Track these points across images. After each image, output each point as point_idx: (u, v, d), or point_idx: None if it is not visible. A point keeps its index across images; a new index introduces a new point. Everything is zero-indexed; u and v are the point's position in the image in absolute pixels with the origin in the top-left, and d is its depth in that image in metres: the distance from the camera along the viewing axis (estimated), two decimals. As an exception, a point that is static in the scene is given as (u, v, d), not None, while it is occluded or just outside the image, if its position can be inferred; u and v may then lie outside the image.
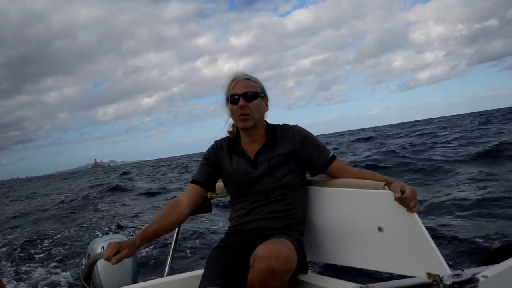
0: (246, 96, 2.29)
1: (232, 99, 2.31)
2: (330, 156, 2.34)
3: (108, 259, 2.10)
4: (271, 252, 1.89)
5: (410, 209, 1.96)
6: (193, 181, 2.43)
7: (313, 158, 2.34)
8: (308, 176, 2.47)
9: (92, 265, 2.55)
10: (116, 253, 2.11)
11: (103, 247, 3.02)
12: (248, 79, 2.36)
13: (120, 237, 3.31)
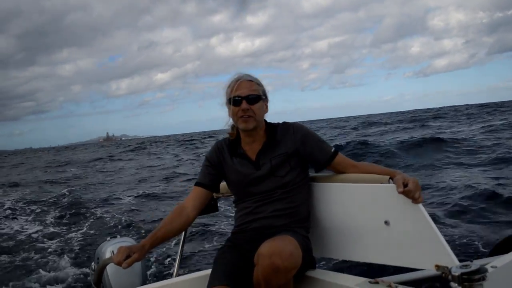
0: (249, 99, 2.28)
1: (234, 101, 2.30)
2: (332, 151, 2.34)
3: (119, 263, 2.11)
4: (274, 250, 1.89)
5: (415, 201, 1.96)
6: (197, 184, 2.44)
7: (315, 155, 2.35)
8: (311, 173, 2.47)
9: (102, 269, 2.56)
10: (126, 257, 2.12)
11: (112, 251, 3.04)
12: (251, 81, 2.35)
13: (128, 240, 3.32)
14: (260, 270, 1.92)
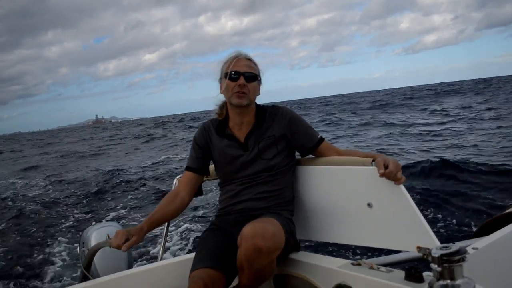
0: (246, 76, 2.28)
1: (231, 76, 2.28)
2: (318, 137, 2.36)
3: (118, 247, 2.14)
4: (256, 231, 1.90)
5: (397, 182, 1.97)
6: (187, 168, 2.46)
7: (302, 140, 2.36)
8: (297, 156, 2.49)
9: (94, 253, 2.57)
10: (125, 241, 2.15)
11: (108, 235, 3.06)
12: (249, 59, 2.35)
13: (113, 224, 3.33)
14: (243, 251, 1.93)
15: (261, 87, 2.40)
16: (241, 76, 2.28)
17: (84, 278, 2.53)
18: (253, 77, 2.31)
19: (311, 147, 2.36)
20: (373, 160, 2.09)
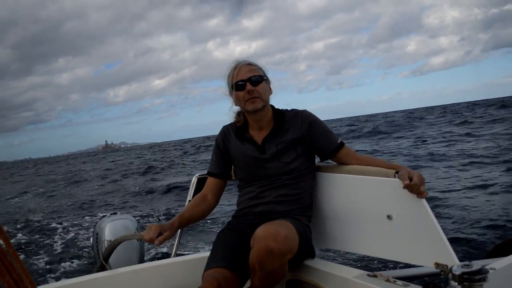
0: (251, 81, 2.28)
1: (237, 86, 2.29)
2: (338, 142, 2.33)
3: (151, 240, 2.17)
4: (269, 233, 1.90)
5: (419, 195, 1.94)
6: (209, 174, 2.51)
7: (321, 144, 2.34)
8: (317, 162, 2.47)
9: (117, 245, 2.58)
10: (158, 235, 2.18)
11: (137, 228, 3.09)
12: (249, 64, 2.35)
13: (128, 217, 3.34)
14: (254, 252, 1.93)
15: (271, 85, 2.40)
16: (246, 83, 2.28)
17: (101, 268, 2.55)
18: (259, 79, 2.31)
19: (331, 151, 2.33)
20: (397, 172, 2.06)
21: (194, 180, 2.79)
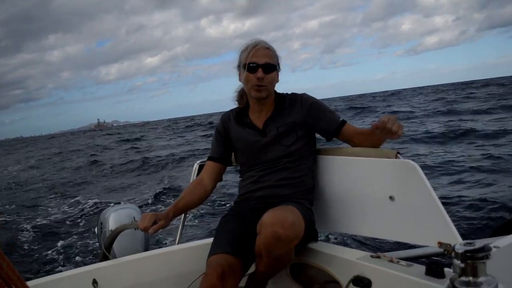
0: (265, 68, 2.26)
1: (250, 67, 2.27)
2: (340, 120, 2.34)
3: (145, 229, 2.17)
4: (277, 219, 1.89)
5: (394, 134, 1.95)
6: (209, 158, 2.50)
7: (323, 125, 2.34)
8: (321, 144, 2.47)
9: (117, 234, 2.59)
10: (153, 224, 2.18)
11: (134, 217, 3.09)
12: (268, 48, 2.32)
13: (132, 206, 3.35)
14: (262, 239, 1.92)
15: (279, 73, 2.38)
16: (259, 68, 2.26)
17: (104, 257, 2.56)
18: (272, 68, 2.29)
19: (334, 130, 2.33)
20: (398, 153, 2.05)
21: (195, 167, 2.79)
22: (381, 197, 2.13)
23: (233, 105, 2.50)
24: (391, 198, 2.09)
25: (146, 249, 3.01)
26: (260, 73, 2.26)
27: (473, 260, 1.34)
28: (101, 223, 3.17)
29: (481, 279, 1.35)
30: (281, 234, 1.86)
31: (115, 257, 2.84)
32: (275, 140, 2.31)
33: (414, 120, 20.61)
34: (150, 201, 9.52)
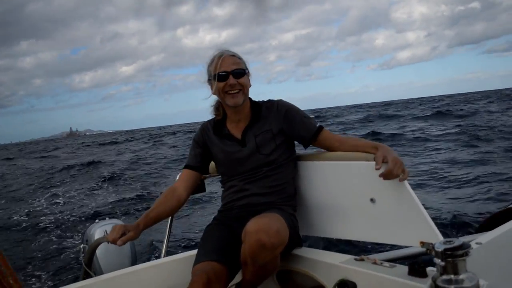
0: (234, 74, 2.27)
1: (220, 76, 2.27)
2: (317, 126, 2.33)
3: (113, 241, 2.12)
4: (261, 226, 1.90)
5: (399, 180, 1.97)
6: (186, 166, 2.47)
7: (300, 131, 2.34)
8: (298, 151, 2.48)
9: (94, 249, 2.55)
10: (121, 235, 2.14)
11: (105, 231, 3.04)
12: (233, 55, 2.33)
13: (117, 222, 3.32)
14: (247, 247, 1.92)
15: (250, 78, 2.38)
16: (229, 75, 2.27)
17: (85, 275, 2.52)
18: (242, 73, 2.30)
19: (311, 137, 2.33)
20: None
21: (178, 178, 2.79)
22: (362, 200, 2.15)
23: (209, 115, 2.49)
24: (372, 200, 2.12)
25: (134, 262, 3.00)
26: (231, 79, 2.26)
27: (453, 258, 1.37)
28: (87, 240, 3.15)
29: (462, 276, 1.38)
30: (265, 242, 1.86)
31: (101, 273, 2.82)
32: (255, 149, 2.31)
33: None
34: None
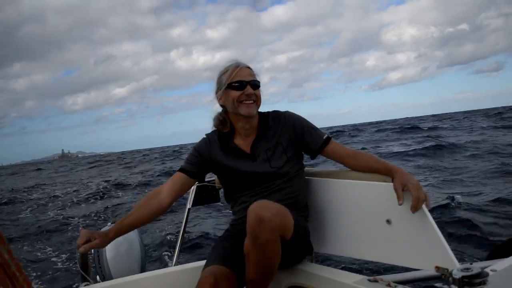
0: (252, 84, 2.25)
1: (237, 85, 2.23)
2: (324, 138, 2.30)
3: (77, 246, 2.09)
4: (261, 205, 1.88)
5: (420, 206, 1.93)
6: (181, 170, 2.36)
7: (307, 142, 2.31)
8: (314, 168, 2.46)
9: (83, 254, 2.49)
10: (86, 242, 2.09)
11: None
12: (249, 67, 2.32)
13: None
14: (248, 225, 1.88)
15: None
16: (247, 85, 2.24)
17: (83, 279, 2.48)
18: (258, 84, 2.29)
19: (318, 148, 2.29)
20: (393, 178, 2.05)
21: (193, 188, 2.78)
22: (378, 220, 2.12)
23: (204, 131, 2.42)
24: (388, 221, 2.09)
25: (143, 269, 2.99)
26: (249, 89, 2.23)
27: (471, 286, 1.34)
28: None
29: (478, 304, 1.35)
30: (264, 216, 1.83)
31: (110, 277, 2.81)
32: (266, 163, 2.27)
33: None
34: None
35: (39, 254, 7.80)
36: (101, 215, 10.99)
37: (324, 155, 2.33)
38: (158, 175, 19.80)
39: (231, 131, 2.35)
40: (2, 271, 0.80)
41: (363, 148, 19.84)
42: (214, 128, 2.40)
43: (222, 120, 2.35)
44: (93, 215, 11.14)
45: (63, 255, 7.34)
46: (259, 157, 2.29)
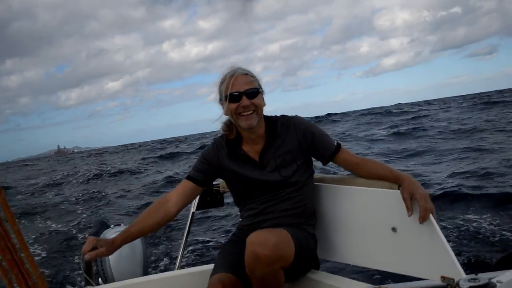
0: (248, 94, 2.18)
1: (232, 97, 2.17)
2: (335, 145, 2.27)
3: (83, 253, 2.07)
4: (259, 239, 1.89)
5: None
6: (189, 178, 2.34)
7: (319, 149, 2.28)
8: (319, 173, 2.44)
9: (85, 258, 2.49)
10: (93, 249, 2.07)
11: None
12: (246, 74, 2.23)
13: (120, 229, 3.31)
14: (245, 258, 1.92)
15: (264, 95, 2.29)
16: (242, 96, 2.17)
17: (86, 282, 2.47)
18: (255, 92, 2.20)
19: (329, 155, 2.27)
20: (400, 186, 2.04)
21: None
22: (384, 228, 2.11)
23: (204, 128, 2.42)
24: (393, 229, 2.07)
25: (146, 272, 2.98)
26: (245, 101, 2.16)
27: (477, 296, 1.32)
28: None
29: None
30: (260, 254, 1.85)
31: (113, 280, 2.81)
32: (275, 172, 2.24)
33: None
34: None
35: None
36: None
37: (335, 162, 2.30)
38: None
39: (239, 137, 2.31)
40: (17, 268, 0.80)
41: (343, 133, 20.01)
42: (222, 133, 2.36)
43: (229, 125, 2.32)
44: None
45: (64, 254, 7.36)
46: (268, 165, 2.25)
